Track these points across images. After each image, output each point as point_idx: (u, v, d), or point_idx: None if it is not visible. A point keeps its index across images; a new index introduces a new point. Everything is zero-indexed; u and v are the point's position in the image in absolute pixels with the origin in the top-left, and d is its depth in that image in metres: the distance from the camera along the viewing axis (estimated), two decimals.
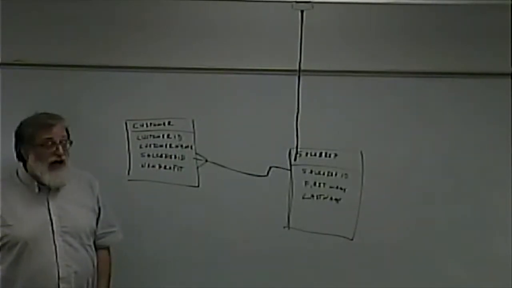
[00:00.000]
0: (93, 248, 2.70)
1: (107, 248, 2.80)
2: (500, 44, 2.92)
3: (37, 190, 2.60)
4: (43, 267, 2.53)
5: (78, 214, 2.64)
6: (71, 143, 2.63)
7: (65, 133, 2.62)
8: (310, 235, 2.97)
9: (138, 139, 3.00)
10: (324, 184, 2.99)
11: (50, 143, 2.56)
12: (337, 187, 2.98)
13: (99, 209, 2.74)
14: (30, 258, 2.52)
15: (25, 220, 2.55)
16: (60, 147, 2.56)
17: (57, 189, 2.62)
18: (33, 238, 2.53)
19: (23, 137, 2.60)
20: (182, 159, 3.00)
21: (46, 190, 2.60)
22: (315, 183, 2.99)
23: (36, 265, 2.53)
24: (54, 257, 2.54)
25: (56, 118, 2.62)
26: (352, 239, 2.98)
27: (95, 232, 2.71)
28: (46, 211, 2.58)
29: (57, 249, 2.55)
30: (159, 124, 3.00)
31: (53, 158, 2.56)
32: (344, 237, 2.98)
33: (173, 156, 3.00)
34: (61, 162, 2.57)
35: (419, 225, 2.98)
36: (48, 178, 2.57)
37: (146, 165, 3.01)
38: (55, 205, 2.60)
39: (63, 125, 2.63)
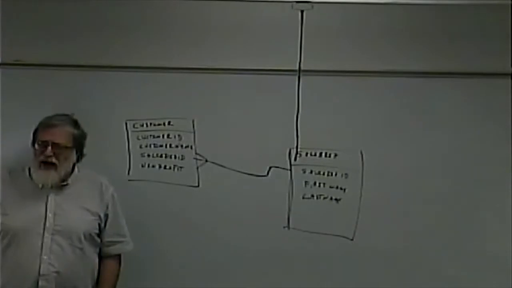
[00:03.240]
0: (88, 253, 2.66)
1: (116, 258, 2.78)
2: (500, 44, 2.92)
3: (40, 185, 2.63)
4: (26, 261, 2.55)
5: (75, 215, 2.64)
6: (72, 149, 2.66)
7: (63, 137, 2.64)
8: (310, 235, 2.97)
9: (138, 139, 3.01)
10: (324, 184, 2.99)
11: (43, 143, 2.61)
12: (337, 187, 2.98)
13: (107, 216, 2.73)
14: (17, 249, 2.55)
15: (21, 211, 2.58)
16: (49, 149, 2.59)
17: (61, 188, 2.65)
18: (23, 230, 2.56)
19: (33, 134, 2.68)
20: (182, 159, 3.00)
21: (49, 187, 2.63)
22: (315, 183, 2.99)
23: (21, 258, 2.55)
24: (39, 253, 2.55)
25: (58, 120, 2.67)
26: (352, 239, 2.98)
27: (92, 237, 2.67)
28: (44, 207, 2.61)
29: (43, 245, 2.56)
30: (159, 124, 3.00)
31: (41, 158, 2.61)
32: (344, 237, 2.98)
33: (173, 156, 3.00)
34: (51, 163, 2.60)
35: (419, 225, 2.98)
36: (35, 175, 2.63)
37: (146, 165, 3.01)
38: (54, 203, 2.62)
39: (65, 129, 2.66)
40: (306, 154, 2.98)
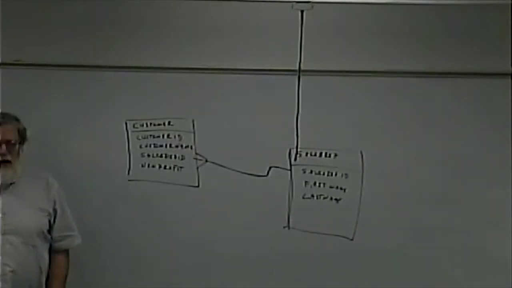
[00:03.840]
0: (40, 249, 2.65)
1: (65, 252, 2.76)
2: (500, 44, 2.92)
3: None
4: None
5: (24, 213, 2.62)
6: (19, 144, 2.63)
7: (12, 133, 2.61)
8: (310, 235, 2.97)
9: (138, 139, 3.01)
10: (324, 184, 2.99)
11: None
12: (337, 187, 2.98)
13: (55, 211, 2.71)
14: None
15: None
16: (4, 147, 2.57)
17: (7, 187, 2.63)
18: None
19: None
20: (182, 159, 3.00)
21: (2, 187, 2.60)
22: (315, 183, 2.99)
23: None
24: None
25: (5, 118, 2.63)
26: (352, 239, 2.98)
27: (43, 233, 2.66)
28: None
29: None
30: (159, 124, 3.00)
31: None
32: (344, 237, 2.98)
33: (173, 156, 3.00)
34: (6, 161, 2.58)
35: (419, 225, 2.98)
36: None
37: (146, 165, 3.01)
38: (2, 203, 2.59)
39: (12, 125, 2.63)
40: (306, 154, 2.98)
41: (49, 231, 2.70)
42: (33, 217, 2.64)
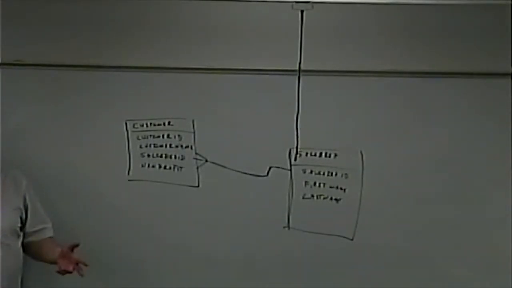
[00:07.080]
0: (14, 247, 2.63)
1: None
2: (500, 44, 2.92)
3: None
4: None
5: None
6: None
7: None
8: (310, 235, 2.97)
9: (138, 139, 3.01)
10: (324, 184, 2.99)
11: None
12: (337, 187, 2.98)
13: (26, 207, 2.69)
14: None
15: None
16: None
17: None
18: None
19: None
20: (182, 159, 3.00)
21: None
22: (315, 183, 2.99)
23: None
24: None
25: None
26: (352, 239, 2.98)
27: (16, 231, 2.63)
28: None
29: None
30: (159, 124, 3.00)
31: None
32: (344, 237, 2.98)
33: (173, 156, 3.00)
34: None
35: (419, 225, 2.98)
36: None
37: (146, 165, 3.01)
38: None
39: None
40: (306, 154, 2.98)
41: (21, 227, 2.67)
42: (5, 216, 2.61)
